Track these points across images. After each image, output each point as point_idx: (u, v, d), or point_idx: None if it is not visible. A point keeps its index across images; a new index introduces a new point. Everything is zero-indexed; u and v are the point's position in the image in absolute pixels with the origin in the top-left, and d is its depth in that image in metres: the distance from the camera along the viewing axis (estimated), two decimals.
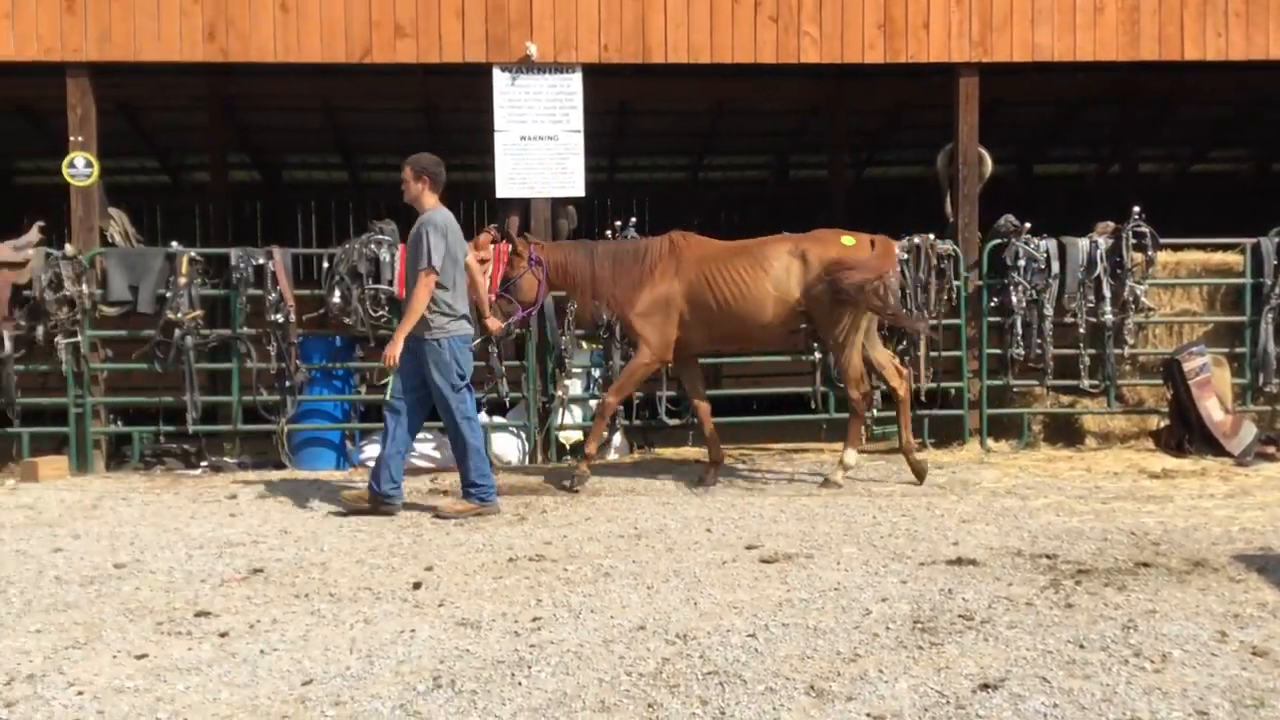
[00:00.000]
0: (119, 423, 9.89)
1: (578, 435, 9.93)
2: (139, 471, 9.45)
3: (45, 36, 9.21)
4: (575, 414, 9.93)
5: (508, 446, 9.76)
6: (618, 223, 9.90)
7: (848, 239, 8.40)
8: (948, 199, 10.33)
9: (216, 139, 14.95)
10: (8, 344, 9.12)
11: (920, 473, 8.40)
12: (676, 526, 7.03)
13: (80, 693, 4.34)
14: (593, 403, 9.97)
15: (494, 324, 8.32)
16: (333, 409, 9.89)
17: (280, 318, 9.39)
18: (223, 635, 5.01)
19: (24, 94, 12.92)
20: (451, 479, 8.46)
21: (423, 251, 7.34)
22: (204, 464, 9.61)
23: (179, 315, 9.26)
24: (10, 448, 9.38)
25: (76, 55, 9.26)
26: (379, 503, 7.48)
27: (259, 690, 4.35)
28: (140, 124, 15.22)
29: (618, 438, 9.94)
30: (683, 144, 17.12)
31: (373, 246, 9.51)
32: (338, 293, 9.40)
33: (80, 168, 9.42)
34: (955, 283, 9.87)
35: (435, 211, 7.58)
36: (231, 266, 9.49)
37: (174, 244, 9.58)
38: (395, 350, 7.33)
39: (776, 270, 8.26)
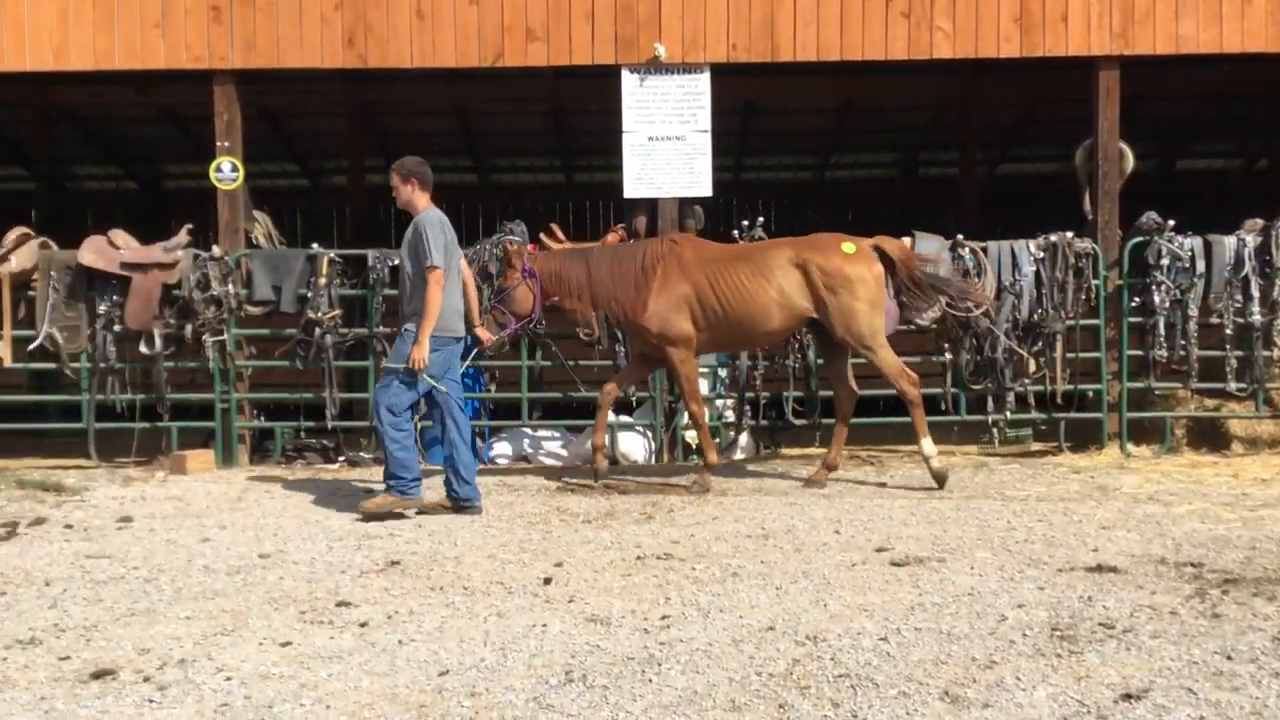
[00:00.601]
0: (262, 418, 10.26)
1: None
2: (280, 465, 9.77)
3: (194, 46, 9.59)
4: None
5: (634, 445, 9.83)
6: (745, 222, 9.88)
7: (848, 246, 8.35)
8: (1086, 196, 10.04)
9: (354, 143, 15.37)
10: (158, 342, 9.52)
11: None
12: (804, 527, 6.99)
13: (228, 678, 4.51)
14: (718, 402, 9.98)
15: (485, 335, 8.34)
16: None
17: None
18: (362, 625, 5.15)
19: (172, 101, 13.51)
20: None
21: (425, 250, 7.45)
22: (341, 459, 9.89)
23: (319, 314, 9.55)
24: (160, 441, 9.79)
25: (223, 63, 9.62)
26: (459, 506, 7.62)
27: (398, 679, 4.46)
28: (281, 129, 15.74)
29: (744, 438, 9.92)
30: (809, 142, 16.99)
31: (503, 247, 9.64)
32: None
33: (226, 172, 9.78)
34: (1094, 282, 9.60)
35: (430, 212, 7.72)
36: (369, 267, 9.75)
37: (315, 245, 9.88)
38: (423, 353, 7.45)
39: (779, 276, 8.24)
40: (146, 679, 4.50)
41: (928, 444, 8.27)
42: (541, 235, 9.67)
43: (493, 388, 10.21)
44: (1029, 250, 9.57)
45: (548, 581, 5.82)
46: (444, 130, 16.09)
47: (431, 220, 7.58)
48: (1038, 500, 7.79)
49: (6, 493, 8.27)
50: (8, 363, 9.65)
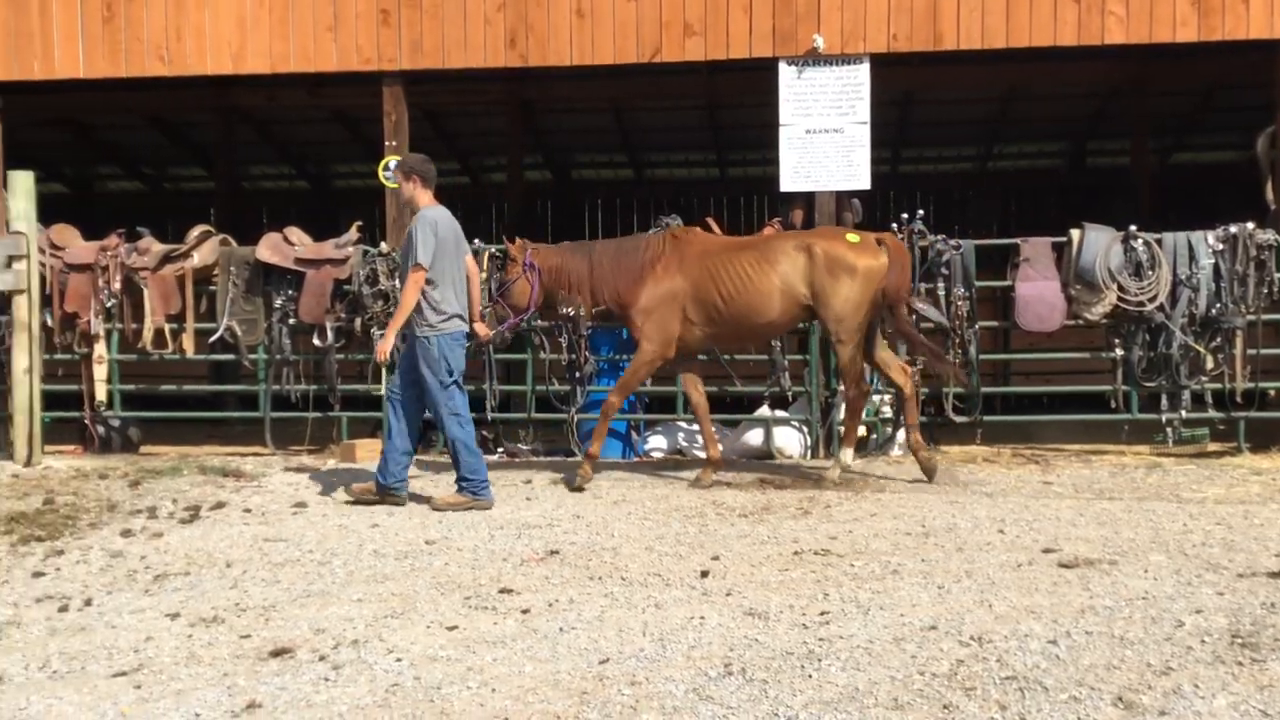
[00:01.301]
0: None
1: (861, 430, 9.81)
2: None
3: (364, 48, 9.91)
4: None
5: (789, 440, 9.77)
6: (904, 215, 9.71)
7: (852, 236, 8.29)
8: (1269, 184, 9.55)
9: (513, 141, 15.67)
10: (330, 334, 9.88)
11: (930, 471, 8.22)
12: (967, 526, 6.84)
13: (399, 659, 4.67)
14: (875, 398, 9.83)
15: (482, 330, 8.27)
16: None
17: (571, 311, 9.71)
18: (524, 612, 5.26)
19: (342, 103, 13.98)
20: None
21: (413, 247, 7.46)
22: (500, 450, 10.10)
23: (480, 308, 9.74)
24: (331, 430, 10.16)
25: (392, 65, 9.92)
26: (384, 494, 7.73)
27: (559, 666, 4.55)
28: (443, 128, 16.14)
29: (901, 434, 9.74)
30: (970, 132, 16.59)
31: None
32: None
33: (394, 170, 10.07)
34: (1277, 275, 9.12)
35: (429, 209, 7.68)
36: None
37: (475, 241, 10.09)
38: (386, 346, 7.63)
39: (783, 266, 8.13)
40: (322, 658, 4.69)
41: (847, 453, 8.36)
42: (697, 229, 9.68)
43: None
44: (1207, 242, 9.15)
45: (705, 574, 5.84)
46: (600, 126, 16.27)
47: (425, 218, 7.58)
48: (1215, 503, 7.45)
49: (189, 478, 8.70)
50: (190, 354, 10.15)
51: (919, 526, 6.85)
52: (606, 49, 9.74)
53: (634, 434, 10.17)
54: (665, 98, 14.21)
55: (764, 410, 9.89)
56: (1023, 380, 11.53)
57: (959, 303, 9.39)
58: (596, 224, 18.88)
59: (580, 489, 8.16)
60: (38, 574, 6.07)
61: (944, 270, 9.42)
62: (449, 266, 7.60)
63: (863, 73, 9.57)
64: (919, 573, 5.79)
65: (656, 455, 9.98)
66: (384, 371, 8.07)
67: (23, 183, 9.40)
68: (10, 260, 9.28)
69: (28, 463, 9.19)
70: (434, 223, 7.55)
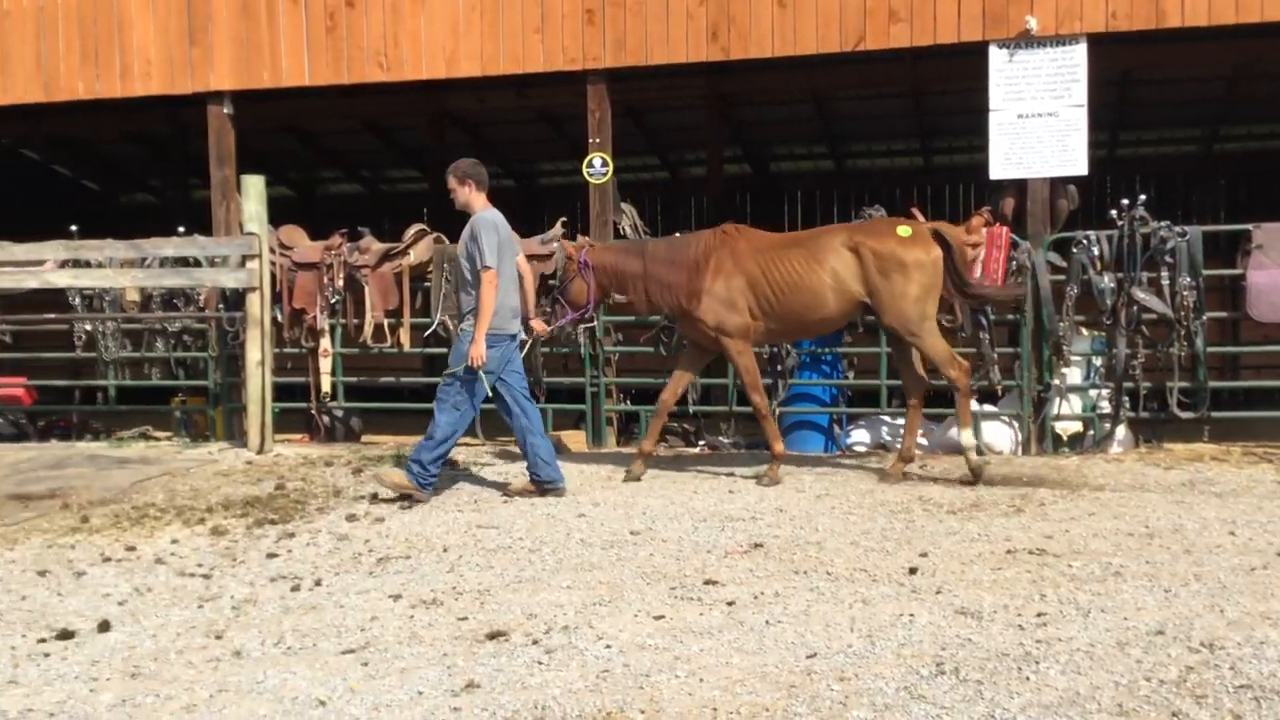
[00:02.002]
0: (628, 402, 10.71)
1: (1076, 426, 9.45)
2: (627, 447, 10.15)
3: (569, 48, 10.12)
4: (1074, 404, 9.44)
5: (999, 435, 9.47)
6: (1124, 201, 9.28)
7: (903, 230, 8.09)
8: None
9: (714, 135, 15.72)
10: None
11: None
12: (1194, 527, 6.49)
13: (608, 646, 4.75)
14: (1093, 392, 9.44)
15: (539, 325, 8.39)
16: (821, 393, 10.09)
17: None
18: (730, 604, 5.27)
19: (546, 102, 14.30)
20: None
21: (480, 250, 7.56)
22: (701, 442, 10.16)
23: None
24: (498, 422, 10.42)
25: (596, 63, 10.10)
26: (543, 489, 7.84)
27: (766, 658, 4.54)
28: (644, 124, 16.33)
29: (1121, 430, 9.33)
30: (1194, 114, 15.72)
31: None
32: None
33: (597, 167, 10.26)
34: None
35: (487, 211, 7.80)
36: None
37: (677, 235, 10.16)
38: (480, 351, 7.56)
39: (832, 260, 8.03)
40: (535, 642, 4.82)
41: (967, 435, 8.12)
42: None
43: (850, 375, 10.15)
44: None
45: (913, 571, 5.73)
46: (801, 117, 16.16)
47: (486, 221, 7.69)
48: None
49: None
50: (406, 347, 10.59)
51: (1142, 527, 6.54)
52: (809, 39, 9.65)
53: (836, 428, 10.06)
54: (868, 86, 14.00)
55: (972, 405, 9.60)
56: (1254, 375, 10.86)
57: (1184, 293, 8.92)
58: (796, 216, 18.76)
59: (777, 483, 8.11)
60: (271, 555, 6.44)
61: (1168, 259, 8.97)
62: (505, 269, 7.77)
63: (1079, 53, 9.19)
64: (1143, 575, 5.53)
65: (859, 449, 9.84)
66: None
67: (254, 186, 9.99)
68: (244, 259, 9.88)
69: (260, 450, 9.76)
70: (494, 224, 7.73)
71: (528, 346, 9.08)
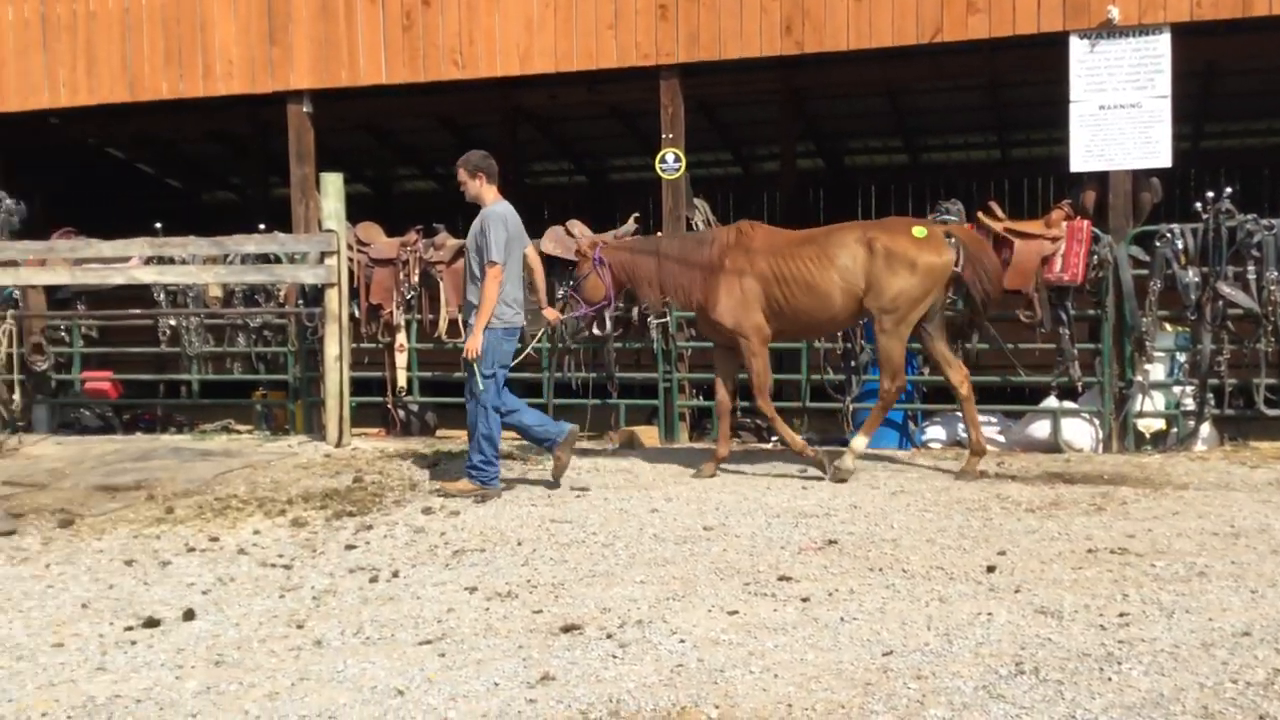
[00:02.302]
0: (701, 397, 10.70)
1: (1159, 424, 9.26)
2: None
3: (642, 44, 10.13)
4: (1157, 401, 9.24)
5: (1079, 433, 9.31)
6: (1209, 194, 9.07)
7: (919, 230, 8.06)
8: None
9: (786, 129, 15.63)
10: (608, 324, 10.16)
11: (967, 473, 8.08)
12: None
13: (682, 640, 4.75)
14: (1176, 389, 9.24)
15: (551, 314, 8.62)
16: None
17: None
18: (804, 600, 5.25)
19: (618, 98, 14.32)
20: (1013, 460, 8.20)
21: (488, 244, 7.62)
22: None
23: None
24: (609, 417, 10.46)
25: (669, 59, 10.09)
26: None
27: (841, 655, 4.51)
28: (716, 119, 16.28)
29: (1206, 428, 9.12)
30: None
31: None
32: None
33: (670, 162, 10.26)
34: None
35: (497, 204, 7.85)
36: None
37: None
38: (476, 344, 7.66)
39: (843, 259, 8.02)
40: (609, 635, 4.84)
41: (860, 441, 8.19)
42: (979, 214, 9.38)
43: (926, 371, 10.04)
44: None
45: (991, 569, 5.65)
46: (874, 111, 16.01)
47: (495, 215, 7.72)
48: None
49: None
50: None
51: (1227, 526, 6.39)
52: (885, 31, 9.55)
53: (911, 424, 9.96)
54: (944, 78, 13.81)
55: (1051, 401, 9.46)
56: None
57: (1271, 287, 8.69)
58: (870, 210, 18.61)
59: (845, 478, 8.07)
60: (350, 546, 6.54)
61: (1254, 253, 8.76)
62: (511, 262, 7.80)
63: (1162, 43, 8.99)
64: (1229, 575, 5.41)
65: (935, 447, 9.73)
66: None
67: (333, 184, 10.14)
68: (322, 256, 10.04)
69: (338, 444, 9.91)
70: (504, 219, 7.76)
71: (541, 336, 9.25)
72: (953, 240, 8.19)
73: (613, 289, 8.60)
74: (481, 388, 7.77)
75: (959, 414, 9.77)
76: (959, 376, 8.31)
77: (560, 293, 9.28)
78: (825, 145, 17.92)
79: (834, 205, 18.27)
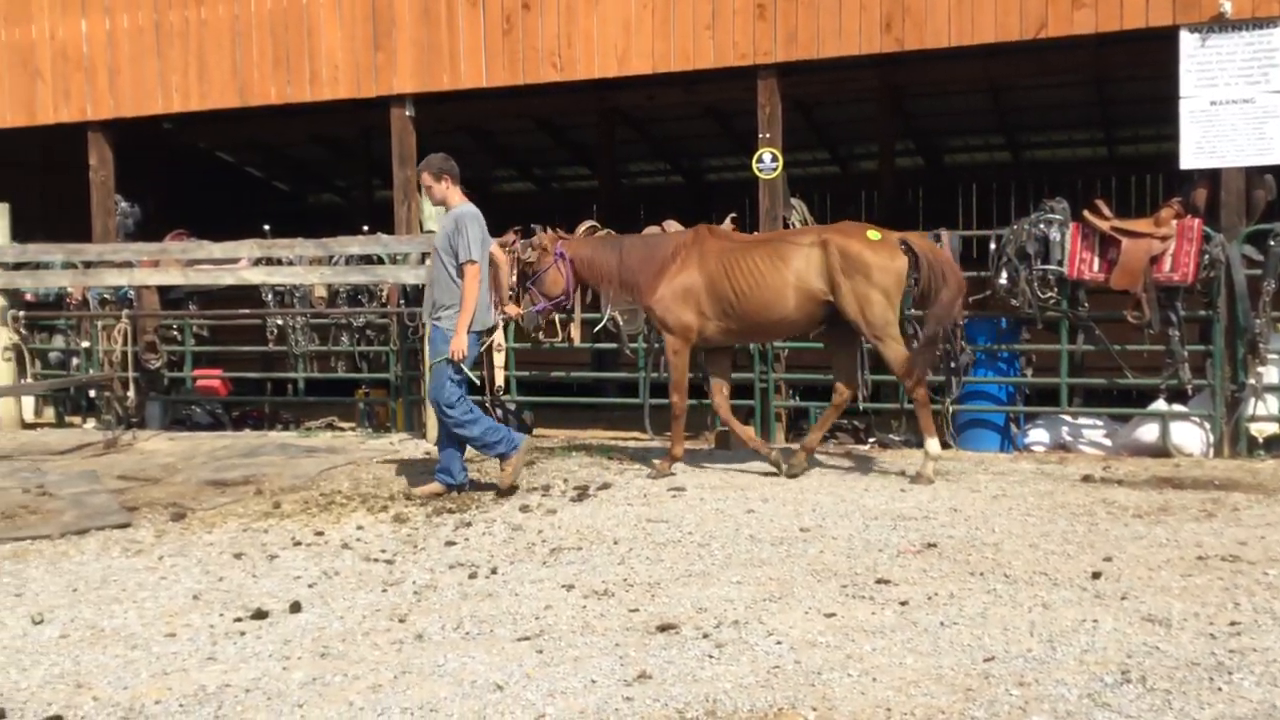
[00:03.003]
0: (797, 398, 10.64)
1: (1272, 428, 8.96)
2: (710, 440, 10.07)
3: (740, 43, 10.10)
4: (1270, 404, 8.95)
5: (1189, 437, 9.04)
6: None
7: (873, 233, 8.17)
8: None
9: (885, 128, 15.47)
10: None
11: (795, 469, 8.32)
12: None
13: (779, 642, 4.74)
14: None
15: (512, 309, 8.68)
16: (997, 391, 9.83)
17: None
18: (903, 604, 5.19)
19: (714, 98, 14.32)
20: (1118, 465, 8.01)
21: (466, 243, 7.64)
22: (872, 440, 10.02)
23: None
24: (705, 417, 10.45)
25: (766, 58, 10.05)
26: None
27: (941, 660, 4.46)
28: (813, 118, 16.19)
29: None
30: None
31: (1042, 226, 9.28)
32: (1005, 274, 9.31)
33: (767, 162, 10.22)
34: None
35: (467, 205, 7.90)
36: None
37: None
38: (463, 344, 7.63)
39: (796, 261, 8.10)
40: (705, 635, 4.85)
41: (933, 444, 8.16)
42: (1085, 212, 9.18)
43: (1029, 372, 9.86)
44: None
45: (1096, 576, 5.54)
46: (976, 108, 15.78)
47: (470, 214, 7.77)
48: None
49: (577, 459, 9.24)
50: (577, 342, 10.75)
51: None
52: (987, 27, 9.39)
53: (1013, 426, 9.79)
54: (1048, 74, 13.55)
55: (1160, 404, 9.22)
56: None
57: None
58: (971, 210, 18.32)
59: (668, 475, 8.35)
60: (449, 543, 6.65)
61: None
62: (481, 262, 7.84)
63: (1277, 37, 8.70)
64: None
65: (1037, 449, 9.54)
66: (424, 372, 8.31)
67: None
68: (423, 257, 10.21)
69: (438, 441, 10.05)
70: (478, 218, 7.84)
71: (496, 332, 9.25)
72: (904, 246, 8.20)
73: (571, 283, 8.73)
74: (450, 389, 7.76)
75: (1064, 417, 9.61)
76: (845, 388, 8.48)
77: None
78: (925, 143, 17.70)
79: (933, 204, 18.05)
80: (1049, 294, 9.21)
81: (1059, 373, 9.52)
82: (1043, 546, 6.17)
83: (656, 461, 8.80)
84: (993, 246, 9.50)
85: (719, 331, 8.49)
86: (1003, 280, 9.30)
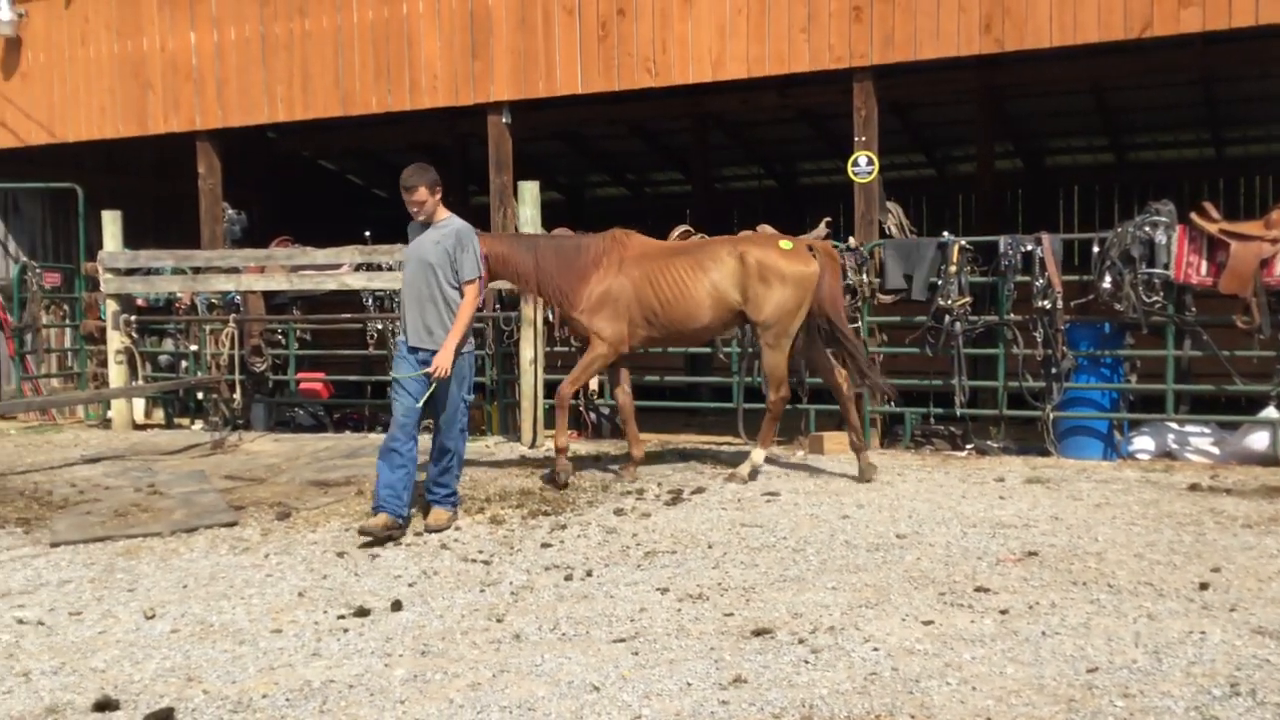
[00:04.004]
0: (892, 403, 10.52)
1: None
2: (909, 450, 9.97)
3: (835, 46, 10.05)
4: None
5: None
6: None
7: (785, 243, 8.37)
8: None
9: (984, 130, 15.24)
10: None
11: (867, 473, 8.37)
12: None
13: (875, 649, 4.71)
14: None
15: None
16: (1100, 397, 9.62)
17: (1048, 304, 9.33)
18: (1003, 612, 5.12)
19: (808, 101, 14.26)
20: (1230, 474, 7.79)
21: (470, 260, 7.12)
22: (969, 446, 9.87)
23: (949, 302, 9.60)
24: (799, 422, 10.41)
25: (862, 61, 9.98)
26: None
27: (1043, 670, 4.39)
28: (909, 120, 16.01)
29: None
30: None
31: (1147, 229, 9.07)
32: (1108, 278, 9.13)
33: (863, 166, 10.14)
34: None
35: (462, 221, 7.34)
36: (1000, 254, 9.62)
37: (945, 234, 9.93)
38: (448, 361, 7.01)
39: (715, 273, 8.26)
40: (800, 641, 4.83)
41: (759, 454, 8.52)
42: (1192, 215, 8.95)
43: (1133, 378, 9.62)
44: None
45: (1204, 587, 5.40)
46: (1078, 109, 15.47)
47: (470, 231, 7.27)
48: None
49: (671, 463, 9.27)
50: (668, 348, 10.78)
51: None
52: (1090, 26, 9.21)
53: (1117, 434, 9.57)
54: (1153, 74, 13.24)
55: (1270, 411, 8.94)
56: None
57: None
58: (1072, 212, 17.96)
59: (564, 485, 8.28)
60: (545, 545, 6.71)
61: None
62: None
63: None
64: None
65: (1142, 458, 9.32)
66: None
67: (530, 191, 10.43)
68: None
69: (532, 445, 10.19)
70: (475, 235, 7.31)
71: None
72: (813, 251, 8.45)
73: (486, 279, 8.05)
74: (462, 413, 7.28)
75: (1170, 425, 9.37)
76: (839, 379, 8.69)
77: None
78: (1024, 145, 17.40)
79: (1033, 207, 17.73)
80: (1154, 298, 9.01)
81: (1165, 379, 9.28)
82: (1148, 556, 6.03)
83: (617, 468, 8.88)
84: (1095, 250, 9.31)
85: (642, 340, 8.61)
86: (1106, 284, 9.12)
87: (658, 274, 8.42)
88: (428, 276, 7.12)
